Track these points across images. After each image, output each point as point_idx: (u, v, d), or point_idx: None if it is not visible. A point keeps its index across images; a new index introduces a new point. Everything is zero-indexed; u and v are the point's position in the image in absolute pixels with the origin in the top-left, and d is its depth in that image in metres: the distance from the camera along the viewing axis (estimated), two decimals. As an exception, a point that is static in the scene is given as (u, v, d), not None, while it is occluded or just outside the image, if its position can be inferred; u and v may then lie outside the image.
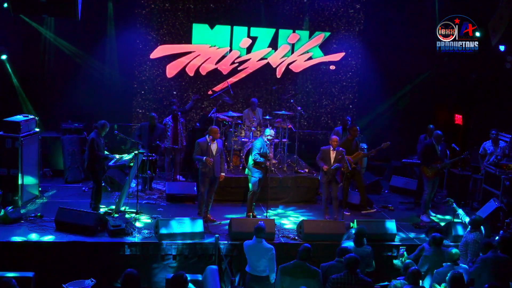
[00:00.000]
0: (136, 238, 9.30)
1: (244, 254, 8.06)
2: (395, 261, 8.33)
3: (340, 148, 10.56)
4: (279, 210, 11.32)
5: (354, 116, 14.60)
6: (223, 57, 14.15)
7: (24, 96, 12.67)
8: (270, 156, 10.54)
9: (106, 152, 10.31)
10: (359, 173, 11.31)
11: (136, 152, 10.23)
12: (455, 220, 10.04)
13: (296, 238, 9.72)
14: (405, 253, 8.16)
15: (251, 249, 7.88)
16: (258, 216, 10.58)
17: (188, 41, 14.00)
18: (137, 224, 9.83)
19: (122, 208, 10.49)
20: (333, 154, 10.50)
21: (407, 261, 7.65)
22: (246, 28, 14.18)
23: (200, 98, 13.74)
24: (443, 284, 7.25)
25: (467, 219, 8.64)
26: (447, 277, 6.90)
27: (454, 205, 8.97)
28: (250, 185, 10.47)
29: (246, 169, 10.63)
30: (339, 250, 7.43)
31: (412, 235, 10.22)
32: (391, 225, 10.00)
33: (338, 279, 6.64)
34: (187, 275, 6.47)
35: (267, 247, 7.87)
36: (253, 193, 10.49)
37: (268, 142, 10.53)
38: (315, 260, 7.50)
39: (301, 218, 10.42)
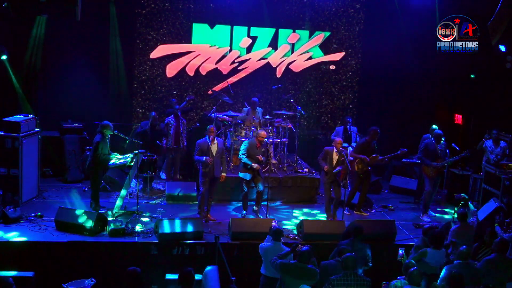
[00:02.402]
0: (136, 238, 9.30)
1: (245, 254, 8.06)
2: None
3: (343, 151, 10.52)
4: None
5: (354, 116, 14.59)
6: (223, 57, 14.15)
7: (24, 96, 12.66)
8: (260, 158, 10.42)
9: (109, 154, 10.30)
10: (370, 176, 11.29)
11: (136, 152, 10.23)
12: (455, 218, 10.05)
13: (297, 238, 9.72)
14: (404, 254, 8.17)
15: (269, 252, 7.82)
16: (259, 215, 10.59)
17: (188, 41, 14.00)
18: (137, 224, 9.82)
19: (122, 208, 10.49)
20: (335, 156, 10.47)
21: (407, 261, 7.66)
22: (246, 28, 14.18)
23: (194, 98, 13.74)
24: (434, 283, 7.27)
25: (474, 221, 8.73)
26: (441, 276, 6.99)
27: (470, 202, 9.01)
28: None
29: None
30: (338, 250, 7.43)
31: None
32: (391, 225, 10.00)
33: (337, 280, 6.64)
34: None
35: (287, 249, 7.85)
36: (245, 193, 10.54)
37: (267, 141, 10.50)
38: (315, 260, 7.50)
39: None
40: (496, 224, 9.23)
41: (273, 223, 8.75)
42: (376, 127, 11.13)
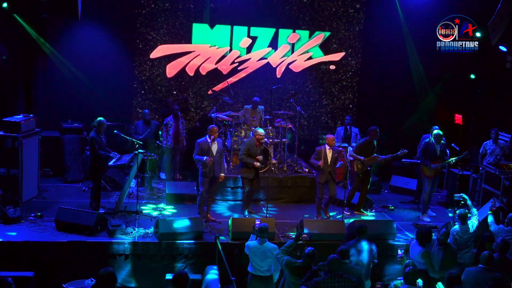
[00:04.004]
0: (136, 238, 9.30)
1: (245, 255, 8.06)
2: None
3: (338, 148, 10.52)
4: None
5: (354, 116, 14.60)
6: (223, 57, 14.15)
7: (25, 96, 12.67)
8: (259, 158, 10.43)
9: (109, 152, 10.31)
10: (370, 176, 11.28)
11: (136, 152, 10.24)
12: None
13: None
14: (403, 254, 8.17)
15: (255, 250, 7.88)
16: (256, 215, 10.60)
17: (188, 41, 14.00)
18: (137, 224, 9.83)
19: (122, 208, 10.50)
20: (329, 153, 10.42)
21: (407, 261, 7.67)
22: (246, 28, 14.18)
23: (186, 98, 13.72)
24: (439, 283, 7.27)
25: (475, 222, 8.70)
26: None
27: (469, 202, 9.02)
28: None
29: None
30: (339, 251, 7.42)
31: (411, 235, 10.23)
32: (391, 225, 10.00)
33: (322, 283, 6.63)
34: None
35: (272, 246, 7.89)
36: (247, 192, 10.59)
37: (267, 141, 10.52)
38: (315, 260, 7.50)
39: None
40: (489, 212, 9.21)
41: (257, 221, 8.77)
42: (375, 126, 11.12)
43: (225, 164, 11.32)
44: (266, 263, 7.82)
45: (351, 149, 11.88)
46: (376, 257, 8.09)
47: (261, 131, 10.42)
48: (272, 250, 7.84)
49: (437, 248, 8.10)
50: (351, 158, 11.12)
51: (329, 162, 10.42)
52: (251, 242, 8.00)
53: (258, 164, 10.30)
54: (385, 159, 11.06)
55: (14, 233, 9.21)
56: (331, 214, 10.97)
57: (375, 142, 11.09)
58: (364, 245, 8.00)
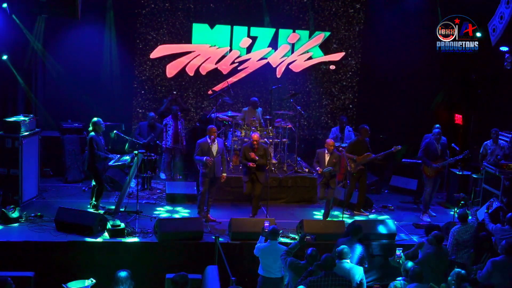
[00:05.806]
0: (136, 238, 9.31)
1: (245, 255, 8.06)
2: (390, 259, 8.38)
3: (338, 153, 10.51)
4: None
5: (354, 116, 14.60)
6: (223, 57, 14.16)
7: (24, 96, 12.67)
8: (253, 157, 10.32)
9: (107, 153, 10.31)
10: (366, 175, 11.26)
11: (136, 152, 10.24)
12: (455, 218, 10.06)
13: (297, 238, 9.70)
14: (402, 254, 8.17)
15: (267, 252, 7.86)
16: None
17: (188, 41, 14.01)
18: (137, 224, 9.83)
19: (122, 208, 10.49)
20: (327, 157, 10.40)
21: (406, 261, 7.66)
22: (246, 28, 14.19)
23: (175, 97, 13.70)
24: (442, 284, 7.27)
25: (475, 222, 8.72)
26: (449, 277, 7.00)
27: (470, 202, 9.03)
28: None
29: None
30: (339, 252, 7.43)
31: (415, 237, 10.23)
32: (390, 225, 10.01)
33: (316, 281, 6.63)
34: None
35: (283, 248, 7.88)
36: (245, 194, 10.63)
37: (267, 141, 10.52)
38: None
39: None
40: (486, 211, 9.21)
41: (266, 223, 8.77)
42: (366, 125, 11.13)
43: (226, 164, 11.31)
44: (278, 265, 7.82)
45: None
46: (365, 261, 8.07)
47: (254, 135, 10.41)
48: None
49: (429, 249, 8.09)
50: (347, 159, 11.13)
51: (325, 166, 10.40)
52: (262, 244, 8.00)
53: (253, 164, 10.26)
54: (376, 157, 11.06)
55: (14, 233, 9.21)
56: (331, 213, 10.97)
57: (367, 140, 11.11)
58: (354, 246, 8.00)
